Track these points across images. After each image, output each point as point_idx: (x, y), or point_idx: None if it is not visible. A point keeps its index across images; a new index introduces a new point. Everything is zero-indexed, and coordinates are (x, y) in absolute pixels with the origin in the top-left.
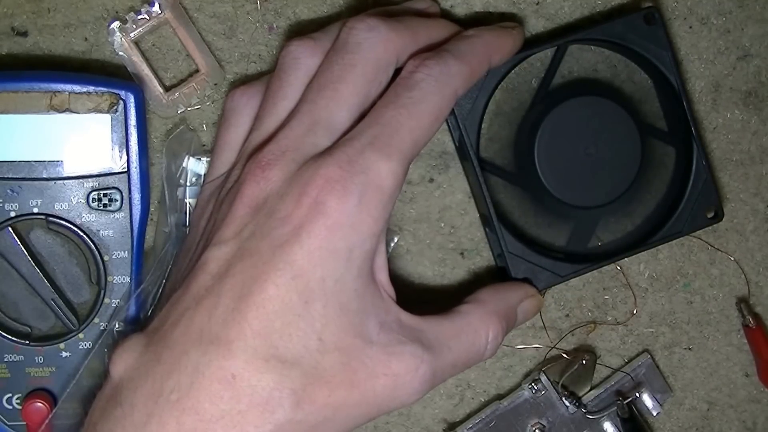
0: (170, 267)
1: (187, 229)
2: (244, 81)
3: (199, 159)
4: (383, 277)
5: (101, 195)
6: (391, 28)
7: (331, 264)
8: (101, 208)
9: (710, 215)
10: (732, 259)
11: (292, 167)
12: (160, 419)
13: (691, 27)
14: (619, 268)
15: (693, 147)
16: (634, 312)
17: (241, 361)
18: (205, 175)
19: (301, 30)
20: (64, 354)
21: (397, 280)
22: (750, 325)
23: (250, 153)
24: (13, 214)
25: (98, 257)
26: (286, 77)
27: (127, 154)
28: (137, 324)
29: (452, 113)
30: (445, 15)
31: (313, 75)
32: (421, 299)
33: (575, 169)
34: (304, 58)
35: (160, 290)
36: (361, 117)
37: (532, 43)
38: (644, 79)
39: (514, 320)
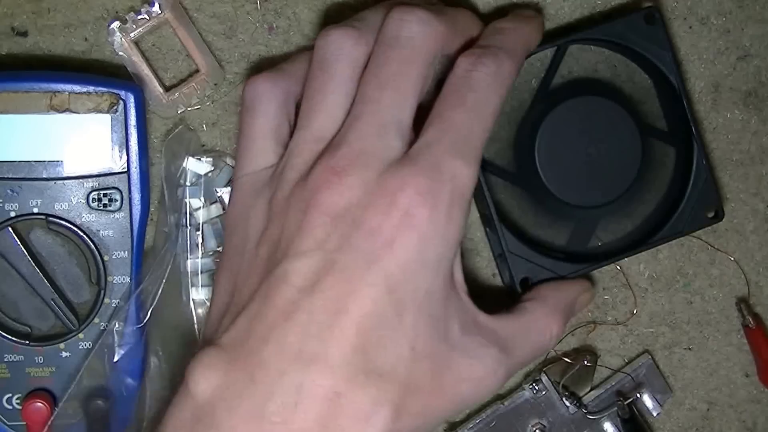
0: (169, 266)
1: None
2: (242, 81)
3: (199, 159)
4: (459, 276)
5: (101, 195)
6: (441, 21)
7: (423, 275)
8: (101, 208)
9: (711, 215)
10: (732, 259)
11: (369, 174)
12: None
13: (691, 27)
14: (618, 267)
15: (693, 147)
16: (635, 312)
17: (343, 379)
18: (206, 174)
19: (302, 30)
20: (64, 354)
21: None
22: (750, 325)
23: (317, 155)
24: (13, 214)
25: (98, 257)
26: (330, 69)
27: (127, 154)
28: (139, 323)
29: None
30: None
31: (359, 67)
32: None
33: (576, 168)
34: (349, 47)
35: (159, 289)
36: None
37: None
38: (644, 79)
39: (571, 314)
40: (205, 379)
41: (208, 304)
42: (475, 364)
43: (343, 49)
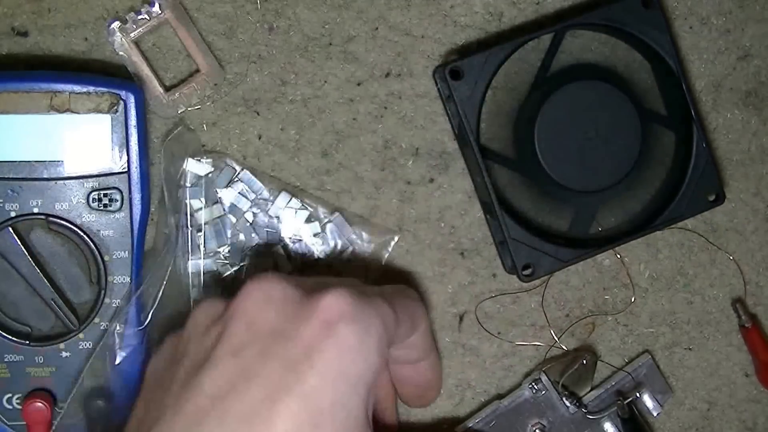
0: (170, 268)
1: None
2: (242, 81)
3: (199, 160)
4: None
5: (101, 195)
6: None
7: (341, 389)
8: (101, 208)
9: (712, 198)
10: (732, 259)
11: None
12: None
13: (691, 27)
14: (619, 256)
15: (693, 131)
16: (632, 300)
17: None
18: (207, 175)
19: (302, 29)
20: (64, 354)
21: (397, 280)
22: (746, 325)
23: None
24: (13, 214)
25: (98, 257)
26: None
27: (128, 155)
28: (140, 325)
29: (452, 100)
30: (446, 17)
31: None
32: (420, 299)
33: (576, 153)
34: None
35: (160, 291)
36: None
37: (530, 29)
38: (643, 64)
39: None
40: None
41: None
42: None
43: None
